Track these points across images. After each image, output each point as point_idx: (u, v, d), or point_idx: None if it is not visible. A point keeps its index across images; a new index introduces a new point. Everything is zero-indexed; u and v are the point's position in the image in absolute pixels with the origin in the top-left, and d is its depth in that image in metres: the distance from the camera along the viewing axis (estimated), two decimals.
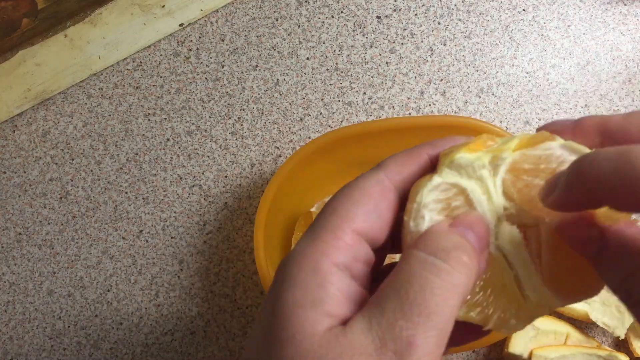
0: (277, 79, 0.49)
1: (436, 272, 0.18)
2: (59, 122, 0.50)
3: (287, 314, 0.18)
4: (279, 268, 0.20)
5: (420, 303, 0.17)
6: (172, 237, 0.48)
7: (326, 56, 0.49)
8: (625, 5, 0.49)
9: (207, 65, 0.50)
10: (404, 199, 0.21)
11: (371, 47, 0.49)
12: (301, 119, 0.49)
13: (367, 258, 0.20)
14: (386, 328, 0.17)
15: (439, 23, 0.49)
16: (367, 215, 0.20)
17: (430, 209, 0.20)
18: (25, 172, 0.50)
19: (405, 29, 0.49)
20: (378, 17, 0.49)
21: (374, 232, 0.20)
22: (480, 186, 0.21)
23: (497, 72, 0.48)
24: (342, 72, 0.49)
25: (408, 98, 0.48)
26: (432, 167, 0.22)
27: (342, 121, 0.48)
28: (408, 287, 0.18)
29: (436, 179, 0.21)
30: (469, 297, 0.20)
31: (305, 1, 0.50)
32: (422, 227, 0.20)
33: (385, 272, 0.20)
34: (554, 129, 0.22)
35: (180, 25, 0.50)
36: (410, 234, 0.20)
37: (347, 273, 0.19)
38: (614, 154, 0.16)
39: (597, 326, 0.44)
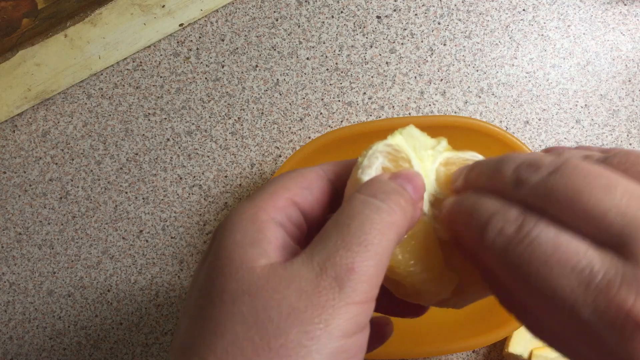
0: (277, 79, 0.49)
1: (376, 210, 0.19)
2: (59, 122, 0.50)
3: (228, 253, 0.20)
4: (219, 224, 0.22)
5: (360, 235, 0.19)
6: (172, 237, 0.48)
7: (326, 56, 0.49)
8: (625, 5, 0.49)
9: (207, 65, 0.50)
10: (339, 190, 0.24)
11: (371, 47, 0.49)
12: (301, 119, 0.49)
13: (299, 223, 0.22)
14: (326, 257, 0.18)
15: (439, 23, 0.49)
16: (301, 189, 0.22)
17: (379, 161, 0.23)
18: (25, 172, 0.50)
19: (405, 29, 0.49)
20: (378, 17, 0.49)
21: (306, 204, 0.22)
22: (420, 164, 0.24)
23: (497, 72, 0.48)
24: (342, 72, 0.49)
25: (408, 98, 0.48)
26: None
27: (342, 121, 0.49)
28: (350, 222, 0.19)
29: (390, 139, 0.24)
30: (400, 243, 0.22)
31: (305, 1, 0.50)
32: (368, 177, 0.22)
33: None
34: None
35: (180, 25, 0.50)
36: (355, 182, 0.22)
37: (282, 228, 0.21)
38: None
39: None
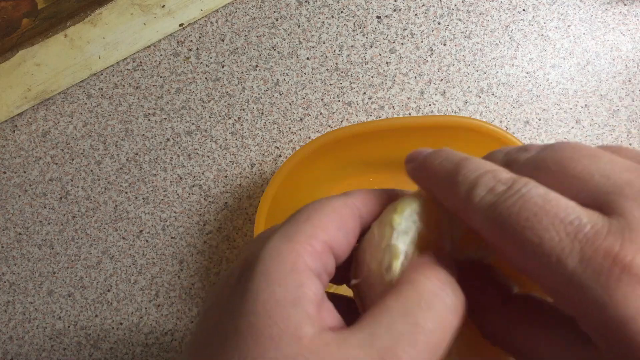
0: (277, 79, 0.49)
1: (450, 309, 0.18)
2: (59, 122, 0.50)
3: (267, 312, 0.17)
4: (247, 262, 0.19)
5: (429, 335, 0.17)
6: (172, 237, 0.48)
7: (326, 56, 0.49)
8: (625, 5, 0.49)
9: (207, 65, 0.50)
10: (364, 230, 0.21)
11: (371, 47, 0.49)
12: (301, 119, 0.49)
13: (331, 271, 0.20)
14: (389, 346, 0.16)
15: (439, 23, 0.49)
16: (337, 229, 0.20)
17: (416, 227, 0.21)
18: (25, 172, 0.50)
19: (405, 29, 0.49)
20: (378, 17, 0.49)
21: (340, 248, 0.20)
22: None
23: (497, 72, 0.48)
24: (342, 72, 0.49)
25: (408, 98, 0.48)
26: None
27: (342, 121, 0.48)
28: (419, 314, 0.17)
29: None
30: None
31: (305, 1, 0.50)
32: (403, 245, 0.20)
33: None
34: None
35: (180, 25, 0.50)
36: (385, 246, 0.20)
37: (319, 280, 0.19)
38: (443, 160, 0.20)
39: None
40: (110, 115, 0.50)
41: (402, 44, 0.49)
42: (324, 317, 0.18)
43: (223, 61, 0.50)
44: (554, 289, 0.16)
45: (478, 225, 0.18)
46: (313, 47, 0.49)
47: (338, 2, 0.50)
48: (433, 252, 0.20)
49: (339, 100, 0.49)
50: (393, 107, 0.48)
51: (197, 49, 0.50)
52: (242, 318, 0.17)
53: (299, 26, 0.50)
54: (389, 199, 0.22)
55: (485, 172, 0.18)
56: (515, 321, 0.20)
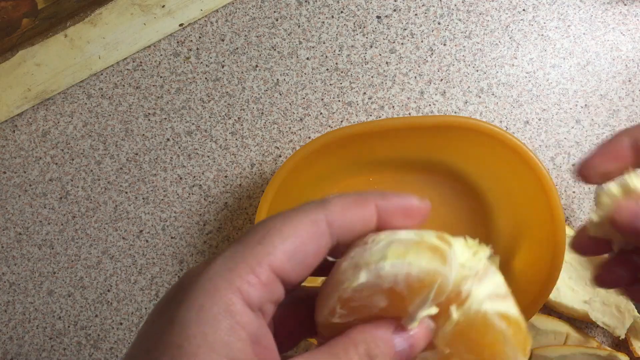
0: (277, 79, 0.49)
1: None
2: (59, 122, 0.50)
3: (193, 353, 0.17)
4: (184, 282, 0.19)
5: None
6: (172, 237, 0.48)
7: (326, 56, 0.49)
8: (625, 5, 0.49)
9: (207, 65, 0.50)
10: (340, 242, 0.20)
11: (371, 47, 0.49)
12: (301, 119, 0.49)
13: (278, 299, 0.19)
14: None
15: (439, 23, 0.49)
16: (291, 257, 0.18)
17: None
18: (25, 172, 0.50)
19: (405, 29, 0.49)
20: (378, 17, 0.49)
21: (291, 275, 0.19)
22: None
23: (497, 72, 0.48)
24: (342, 72, 0.49)
25: (408, 98, 0.48)
26: (377, 220, 0.20)
27: (342, 121, 0.48)
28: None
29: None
30: None
31: (305, 1, 0.50)
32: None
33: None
34: (592, 164, 0.24)
35: (180, 25, 0.50)
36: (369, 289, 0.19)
37: (258, 314, 0.18)
38: None
39: (597, 326, 0.44)
40: (110, 115, 0.50)
41: (402, 44, 0.49)
42: (259, 353, 0.18)
43: (223, 61, 0.50)
44: None
45: None
46: (313, 47, 0.49)
47: (338, 2, 0.50)
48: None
49: (339, 100, 0.49)
50: (393, 107, 0.48)
51: (197, 49, 0.50)
52: (167, 350, 0.17)
53: (299, 26, 0.50)
54: (367, 206, 0.20)
55: None
56: None
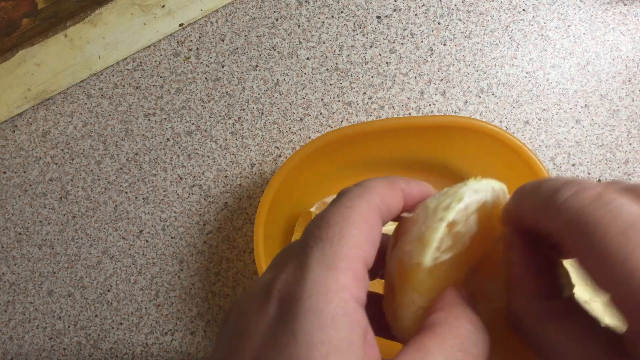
0: (277, 79, 0.49)
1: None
2: (59, 122, 0.50)
3: (323, 356, 0.16)
4: (286, 292, 0.18)
5: None
6: (172, 237, 0.48)
7: (326, 56, 0.49)
8: (625, 5, 0.49)
9: (207, 65, 0.50)
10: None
11: (371, 47, 0.49)
12: (301, 119, 0.49)
13: (368, 288, 0.19)
14: None
15: (439, 23, 0.49)
16: (369, 243, 0.19)
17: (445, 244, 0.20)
18: (25, 172, 0.50)
19: (405, 29, 0.49)
20: (378, 17, 0.49)
21: (372, 260, 0.19)
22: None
23: (497, 72, 0.48)
24: (342, 72, 0.49)
25: (408, 98, 0.48)
26: (407, 203, 0.22)
27: (342, 121, 0.48)
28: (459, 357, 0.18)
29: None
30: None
31: (305, 1, 0.50)
32: (431, 260, 0.20)
33: None
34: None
35: (180, 25, 0.50)
36: (418, 265, 0.20)
37: (363, 308, 0.18)
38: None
39: None
40: (110, 115, 0.50)
41: (402, 44, 0.49)
42: (369, 352, 0.18)
43: (223, 61, 0.50)
44: (625, 308, 0.16)
45: (557, 225, 0.18)
46: (313, 47, 0.49)
47: (338, 2, 0.50)
48: (460, 289, 0.20)
49: (339, 100, 0.49)
50: (393, 107, 0.48)
51: (197, 49, 0.50)
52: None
53: (299, 26, 0.50)
54: (398, 189, 0.21)
55: (572, 179, 0.18)
56: (556, 319, 0.20)
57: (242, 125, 0.49)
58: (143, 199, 0.49)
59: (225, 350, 0.18)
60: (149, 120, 0.49)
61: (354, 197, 0.20)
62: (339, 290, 0.17)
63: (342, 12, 0.49)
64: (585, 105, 0.48)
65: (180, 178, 0.49)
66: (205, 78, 0.50)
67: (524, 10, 0.49)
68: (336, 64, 0.49)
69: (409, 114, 0.48)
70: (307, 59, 0.49)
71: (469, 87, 0.48)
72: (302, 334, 0.17)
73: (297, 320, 0.17)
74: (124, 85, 0.50)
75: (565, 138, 0.48)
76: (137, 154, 0.49)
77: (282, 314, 0.18)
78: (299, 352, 0.16)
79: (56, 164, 0.50)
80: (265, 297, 0.19)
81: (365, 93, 0.49)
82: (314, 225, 0.19)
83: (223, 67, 0.50)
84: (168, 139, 0.49)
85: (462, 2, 0.49)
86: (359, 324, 0.17)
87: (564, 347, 0.19)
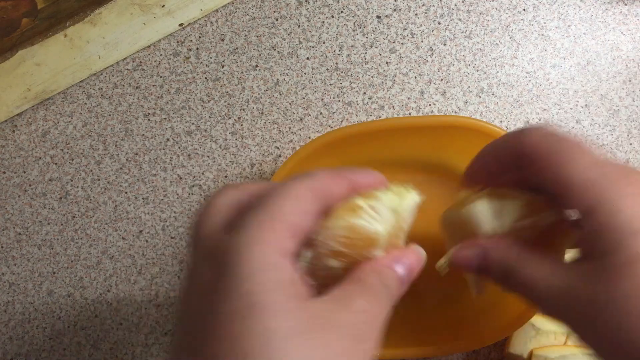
0: (277, 79, 0.49)
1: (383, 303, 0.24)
2: (58, 122, 0.50)
3: (276, 289, 0.20)
4: (224, 252, 0.21)
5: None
6: (172, 237, 0.48)
7: (326, 56, 0.49)
8: (625, 5, 0.49)
9: (207, 65, 0.50)
10: (325, 205, 0.25)
11: (371, 47, 0.49)
12: (301, 119, 0.49)
13: (295, 243, 0.23)
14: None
15: (439, 23, 0.49)
16: (299, 213, 0.23)
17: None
18: (25, 172, 0.50)
19: (405, 29, 0.49)
20: (378, 17, 0.49)
21: (301, 226, 0.23)
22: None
23: (497, 72, 0.48)
24: (342, 72, 0.49)
25: (408, 98, 0.48)
26: (349, 188, 0.25)
27: (342, 121, 0.48)
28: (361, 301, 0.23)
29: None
30: None
31: (305, 1, 0.50)
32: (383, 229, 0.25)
33: None
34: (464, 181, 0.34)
35: (180, 25, 0.50)
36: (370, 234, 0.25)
37: (288, 259, 0.22)
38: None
39: None
40: (110, 115, 0.50)
41: (402, 43, 0.49)
42: (297, 296, 0.21)
43: (223, 61, 0.50)
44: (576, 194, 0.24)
45: (526, 151, 0.26)
46: (313, 47, 0.49)
47: (338, 2, 0.50)
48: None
49: (339, 100, 0.49)
50: (393, 107, 0.48)
51: (197, 48, 0.50)
52: (239, 299, 0.20)
53: (299, 26, 0.50)
54: (344, 179, 0.25)
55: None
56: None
57: (242, 125, 0.49)
58: (143, 199, 0.49)
59: (180, 306, 0.23)
60: (149, 120, 0.49)
61: (294, 180, 0.23)
62: (264, 243, 0.21)
63: (342, 12, 0.49)
64: (586, 105, 0.48)
65: (180, 178, 0.49)
66: (205, 78, 0.50)
67: (524, 10, 0.49)
68: (336, 63, 0.49)
69: (409, 113, 0.48)
70: (307, 58, 0.49)
71: (469, 87, 0.48)
72: (231, 287, 0.20)
73: (226, 275, 0.21)
74: (123, 85, 0.50)
75: None
76: (137, 154, 0.49)
77: (215, 267, 0.21)
78: (229, 305, 0.20)
79: (56, 164, 0.50)
80: (205, 258, 0.23)
81: (365, 93, 0.49)
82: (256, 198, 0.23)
83: (223, 67, 0.50)
84: (168, 139, 0.49)
85: (463, 1, 0.49)
86: (283, 273, 0.21)
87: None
